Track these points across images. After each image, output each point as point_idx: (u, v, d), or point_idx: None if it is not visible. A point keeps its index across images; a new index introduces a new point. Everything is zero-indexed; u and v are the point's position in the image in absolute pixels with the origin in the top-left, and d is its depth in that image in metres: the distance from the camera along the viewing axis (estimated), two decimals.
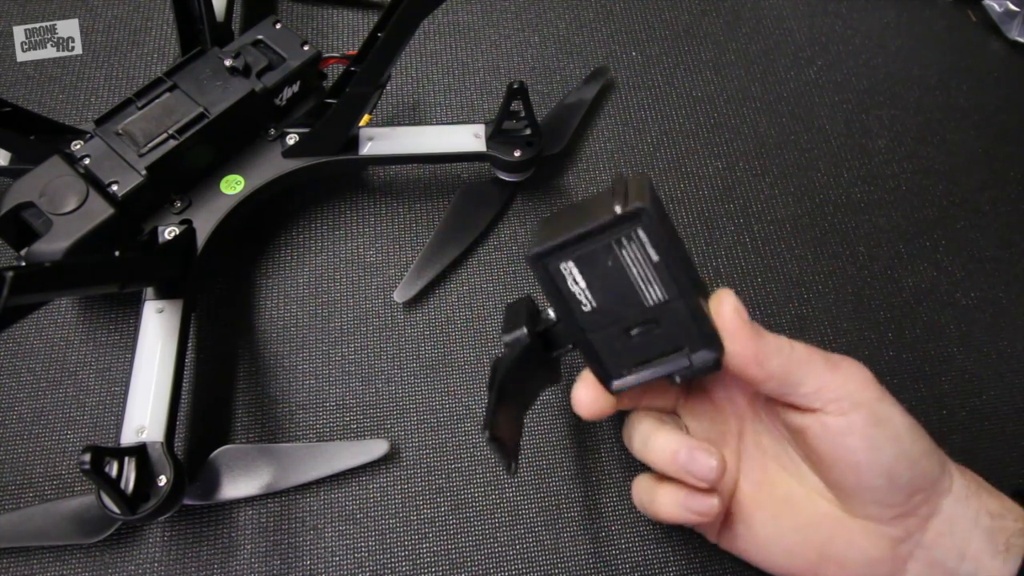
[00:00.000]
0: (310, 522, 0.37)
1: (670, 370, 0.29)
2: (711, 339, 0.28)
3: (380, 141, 0.42)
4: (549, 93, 0.50)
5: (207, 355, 0.41)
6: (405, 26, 0.35)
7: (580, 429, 0.40)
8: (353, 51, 0.42)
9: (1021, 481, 0.41)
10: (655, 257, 0.26)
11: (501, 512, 0.38)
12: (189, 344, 0.37)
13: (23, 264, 0.33)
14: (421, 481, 0.38)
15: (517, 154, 0.42)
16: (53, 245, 0.34)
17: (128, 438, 0.33)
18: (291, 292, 0.43)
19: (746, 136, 0.50)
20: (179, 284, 0.37)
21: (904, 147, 0.51)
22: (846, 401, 0.29)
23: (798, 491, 0.33)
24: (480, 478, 0.39)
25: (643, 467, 0.39)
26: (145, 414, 0.34)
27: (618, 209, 0.25)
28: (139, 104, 0.38)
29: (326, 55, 0.43)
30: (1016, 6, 0.55)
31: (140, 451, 0.33)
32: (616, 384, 0.30)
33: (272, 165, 0.41)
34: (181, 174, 0.39)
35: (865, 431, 0.29)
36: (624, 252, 0.26)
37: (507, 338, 0.30)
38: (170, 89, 0.39)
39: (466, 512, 0.38)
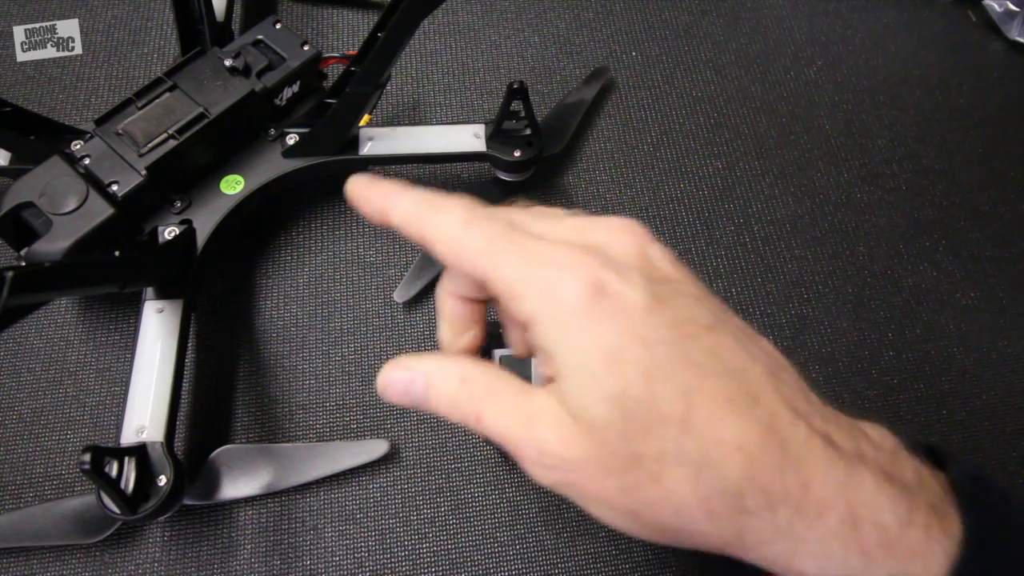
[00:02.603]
0: (310, 522, 0.37)
1: None
2: None
3: (380, 141, 0.42)
4: (549, 93, 0.50)
5: (207, 355, 0.41)
6: (405, 26, 0.35)
7: None
8: (353, 51, 0.42)
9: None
10: None
11: (501, 512, 0.38)
12: (189, 344, 0.37)
13: (23, 264, 0.33)
14: (421, 481, 0.38)
15: (517, 154, 0.42)
16: (53, 245, 0.34)
17: (128, 438, 0.33)
18: (291, 292, 0.43)
19: (746, 136, 0.50)
20: (179, 284, 0.37)
21: (904, 147, 0.51)
22: None
23: None
24: (480, 478, 0.39)
25: None
26: (145, 414, 0.34)
27: None
28: (139, 104, 0.38)
29: (326, 55, 0.43)
30: (1016, 6, 0.55)
31: (140, 451, 0.33)
32: None
33: (272, 165, 0.41)
34: (181, 174, 0.39)
35: None
36: None
37: None
38: (170, 89, 0.39)
39: (466, 512, 0.38)
